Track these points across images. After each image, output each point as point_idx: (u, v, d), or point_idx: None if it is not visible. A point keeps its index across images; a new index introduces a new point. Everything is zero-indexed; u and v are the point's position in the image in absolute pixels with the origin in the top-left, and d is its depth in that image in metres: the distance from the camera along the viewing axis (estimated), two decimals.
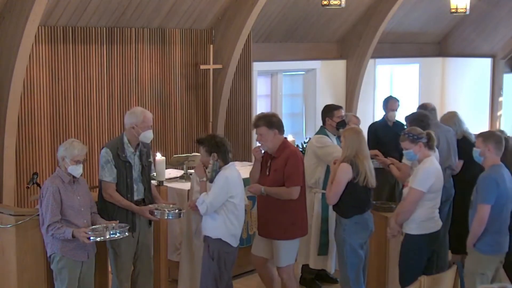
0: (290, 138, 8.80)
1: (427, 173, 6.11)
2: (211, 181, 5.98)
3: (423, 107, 8.30)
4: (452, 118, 8.25)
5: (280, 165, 6.28)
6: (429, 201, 6.15)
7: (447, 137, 7.79)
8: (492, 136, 5.98)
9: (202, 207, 5.93)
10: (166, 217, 6.31)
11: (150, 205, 6.28)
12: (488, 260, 5.89)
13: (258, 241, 6.59)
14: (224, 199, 5.94)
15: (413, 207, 6.13)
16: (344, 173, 6.20)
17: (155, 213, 6.21)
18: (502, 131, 6.63)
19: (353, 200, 6.26)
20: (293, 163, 6.29)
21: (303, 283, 7.76)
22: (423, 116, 7.50)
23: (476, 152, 6.03)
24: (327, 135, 7.35)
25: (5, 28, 7.42)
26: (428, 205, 6.15)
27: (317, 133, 7.51)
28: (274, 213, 6.32)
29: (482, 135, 6.08)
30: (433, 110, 8.13)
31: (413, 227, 6.18)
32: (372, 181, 6.39)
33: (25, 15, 7.20)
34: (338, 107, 7.53)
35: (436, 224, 6.23)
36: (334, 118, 7.40)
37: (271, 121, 6.32)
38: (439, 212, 7.76)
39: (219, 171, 5.97)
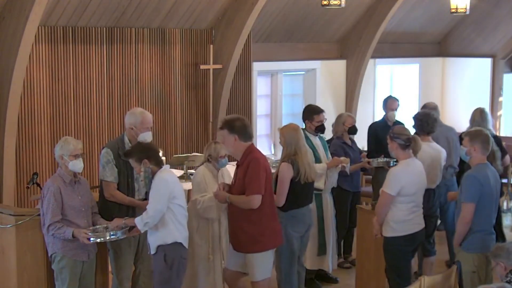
0: None
1: (395, 177, 6.13)
2: (148, 188, 5.77)
3: (424, 107, 8.34)
4: (475, 114, 8.41)
5: (243, 173, 5.93)
6: (402, 204, 6.15)
7: (447, 136, 7.85)
8: (479, 136, 6.00)
9: (148, 220, 5.64)
10: None
11: None
12: (473, 258, 5.92)
13: (231, 254, 6.27)
14: (167, 203, 5.68)
15: (384, 209, 6.18)
16: (286, 173, 6.34)
17: None
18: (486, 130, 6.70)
19: (292, 196, 6.38)
20: (253, 171, 5.88)
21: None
22: (422, 115, 7.54)
23: (462, 151, 6.09)
24: (308, 138, 7.36)
25: (5, 28, 7.42)
26: (402, 207, 6.15)
27: None
28: (241, 224, 5.99)
29: (469, 134, 6.10)
30: (434, 109, 8.17)
31: (388, 230, 6.23)
32: (312, 176, 6.50)
33: (25, 15, 7.20)
34: (318, 112, 7.49)
35: (412, 226, 6.22)
36: (314, 123, 7.43)
37: (233, 126, 5.95)
38: (445, 212, 7.81)
39: (154, 177, 5.74)
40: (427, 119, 7.38)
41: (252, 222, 5.94)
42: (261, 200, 5.88)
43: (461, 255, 6.00)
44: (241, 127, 5.97)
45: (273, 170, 6.91)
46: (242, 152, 5.99)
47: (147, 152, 5.76)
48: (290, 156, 6.40)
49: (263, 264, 6.05)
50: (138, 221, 5.69)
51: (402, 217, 6.14)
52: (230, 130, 5.96)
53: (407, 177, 6.12)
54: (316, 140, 7.46)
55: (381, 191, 6.21)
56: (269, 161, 8.27)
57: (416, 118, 7.52)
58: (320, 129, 7.47)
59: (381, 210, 6.20)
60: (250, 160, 5.93)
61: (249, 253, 6.02)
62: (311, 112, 7.50)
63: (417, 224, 6.25)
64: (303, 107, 11.88)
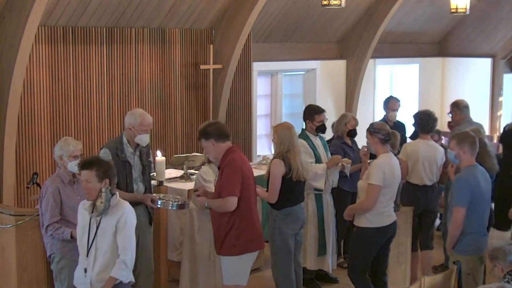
0: None
1: (378, 168, 6.21)
2: (102, 212, 5.04)
3: (455, 104, 8.37)
4: None
5: (220, 176, 5.86)
6: (381, 196, 6.22)
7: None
8: (466, 139, 6.07)
9: (132, 264, 5.10)
10: (170, 207, 6.26)
11: (154, 194, 6.29)
12: (469, 261, 5.96)
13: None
14: None
15: (374, 202, 6.22)
16: (277, 169, 6.40)
17: (158, 202, 6.18)
18: (479, 131, 6.78)
19: (285, 193, 6.44)
20: (228, 172, 5.78)
21: (303, 283, 7.76)
22: (423, 115, 7.68)
23: (451, 154, 6.14)
24: (309, 138, 7.38)
25: (5, 28, 7.42)
26: (381, 199, 6.23)
27: (298, 137, 7.49)
28: (221, 227, 5.88)
29: (456, 137, 6.17)
30: (465, 107, 8.25)
31: (363, 220, 6.31)
32: (305, 175, 6.57)
33: (25, 15, 7.20)
34: (319, 112, 7.50)
35: (386, 219, 6.31)
36: (315, 122, 7.44)
37: (206, 132, 5.88)
38: None
39: (110, 203, 5.06)
40: (428, 119, 7.52)
41: (229, 225, 5.83)
42: (238, 202, 5.76)
43: (455, 258, 6.02)
44: (214, 130, 5.88)
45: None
46: (222, 155, 5.88)
47: (110, 171, 5.14)
48: (283, 153, 6.43)
49: (237, 268, 5.92)
50: (122, 274, 5.05)
51: (379, 209, 6.24)
52: (206, 137, 5.88)
53: (388, 169, 6.23)
54: (316, 140, 7.47)
55: (367, 185, 6.23)
56: (268, 161, 8.31)
57: (417, 117, 7.66)
58: (321, 129, 7.47)
59: (371, 205, 6.23)
60: (226, 162, 5.84)
61: (226, 256, 5.92)
62: (312, 112, 7.50)
63: (390, 216, 6.35)
64: (303, 107, 11.91)
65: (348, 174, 7.65)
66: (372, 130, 6.32)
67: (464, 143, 6.01)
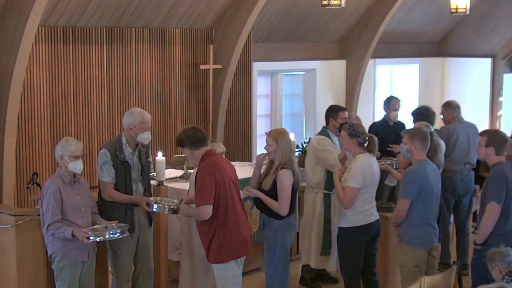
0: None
1: (358, 170, 6.22)
2: None
3: (447, 104, 8.48)
4: None
5: (194, 183, 5.82)
6: (360, 195, 6.26)
7: (468, 133, 8.13)
8: (418, 134, 6.26)
9: None
10: (166, 212, 6.24)
11: (151, 197, 6.29)
12: (416, 253, 6.12)
13: None
14: None
15: (351, 204, 6.26)
16: (288, 179, 6.28)
17: (153, 206, 6.17)
18: (428, 126, 7.02)
19: (291, 203, 6.38)
20: (199, 180, 5.69)
21: (303, 283, 7.77)
22: (423, 110, 8.04)
23: (403, 148, 6.33)
24: (329, 136, 7.38)
25: (5, 28, 7.42)
26: (359, 198, 6.26)
27: (319, 133, 7.53)
28: (204, 236, 5.83)
29: (408, 132, 6.37)
30: (457, 107, 8.36)
31: (343, 221, 6.36)
32: (300, 180, 6.56)
33: (25, 15, 7.20)
34: (343, 109, 7.58)
35: (367, 218, 6.34)
36: (338, 119, 7.42)
37: (180, 140, 5.83)
38: (459, 204, 8.10)
39: None
40: (428, 113, 7.91)
41: (211, 233, 5.77)
42: (215, 209, 5.67)
43: (402, 249, 6.20)
44: (187, 138, 5.80)
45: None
46: (199, 161, 5.81)
47: None
48: (285, 162, 6.30)
49: (225, 276, 5.88)
50: None
51: (358, 208, 6.28)
52: (182, 146, 5.84)
53: (368, 169, 6.27)
54: (336, 141, 7.44)
55: (345, 187, 6.24)
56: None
57: (417, 113, 7.97)
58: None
59: (348, 206, 6.25)
60: (199, 169, 5.78)
61: (213, 264, 5.90)
62: (336, 109, 7.53)
63: (371, 215, 6.38)
64: (303, 107, 11.99)
65: None
66: (354, 133, 6.30)
67: (415, 138, 6.18)
